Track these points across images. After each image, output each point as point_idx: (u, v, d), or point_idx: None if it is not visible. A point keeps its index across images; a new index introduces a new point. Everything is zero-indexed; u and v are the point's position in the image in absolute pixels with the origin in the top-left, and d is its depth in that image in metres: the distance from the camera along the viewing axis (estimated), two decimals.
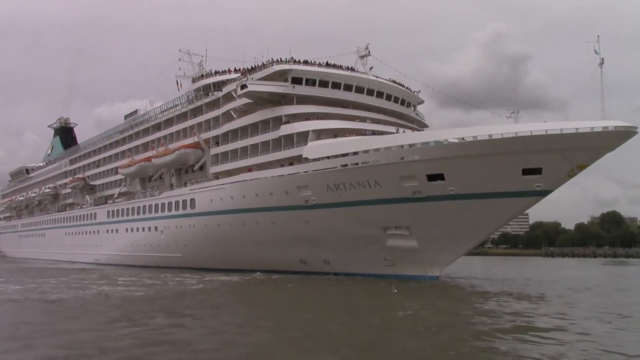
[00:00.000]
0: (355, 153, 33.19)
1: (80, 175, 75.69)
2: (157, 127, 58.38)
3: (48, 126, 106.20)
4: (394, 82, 44.32)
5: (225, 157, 45.49)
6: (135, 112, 68.19)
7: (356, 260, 37.08)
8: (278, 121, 40.05)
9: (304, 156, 36.24)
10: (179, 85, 62.88)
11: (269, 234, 39.22)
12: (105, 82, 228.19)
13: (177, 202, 48.59)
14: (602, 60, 28.35)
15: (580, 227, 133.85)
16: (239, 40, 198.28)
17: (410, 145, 31.53)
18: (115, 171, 66.75)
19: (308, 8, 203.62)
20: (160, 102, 69.54)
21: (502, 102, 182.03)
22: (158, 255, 51.27)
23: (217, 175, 45.41)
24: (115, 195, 64.46)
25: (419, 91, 46.90)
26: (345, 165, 33.61)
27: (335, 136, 36.19)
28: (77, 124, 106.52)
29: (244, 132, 43.61)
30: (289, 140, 38.73)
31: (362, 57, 43.56)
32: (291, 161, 37.67)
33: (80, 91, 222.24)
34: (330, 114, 38.70)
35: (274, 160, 39.63)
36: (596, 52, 28.60)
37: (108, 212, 62.94)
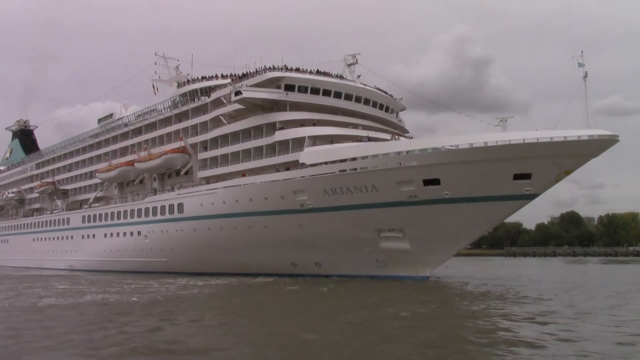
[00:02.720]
0: (354, 159, 34.45)
1: (50, 180, 73.84)
2: (138, 131, 57.94)
3: (6, 129, 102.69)
4: (379, 89, 45.84)
5: (214, 161, 45.88)
6: (111, 115, 67.31)
7: (348, 262, 38.27)
8: (272, 127, 40.89)
9: (300, 161, 37.22)
10: (156, 89, 62.76)
11: (261, 237, 39.92)
12: (66, 84, 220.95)
13: (162, 207, 48.53)
14: (586, 73, 30.72)
15: (540, 227, 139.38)
16: (207, 41, 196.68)
17: (408, 152, 33.09)
18: (90, 175, 65.78)
19: (271, 9, 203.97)
20: (134, 106, 69.32)
21: (466, 104, 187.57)
22: (140, 260, 51.00)
23: (208, 180, 45.69)
24: (91, 200, 63.42)
25: (401, 98, 48.55)
26: (344, 171, 34.81)
27: (332, 142, 37.32)
28: (37, 127, 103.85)
29: (234, 137, 44.15)
30: (283, 146, 39.62)
31: (349, 65, 44.85)
32: (287, 166, 38.54)
33: (40, 93, 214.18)
34: (323, 120, 39.83)
35: (268, 166, 40.38)
36: (580, 65, 30.85)
37: (83, 217, 61.93)
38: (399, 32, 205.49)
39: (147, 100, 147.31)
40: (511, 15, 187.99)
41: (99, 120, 69.06)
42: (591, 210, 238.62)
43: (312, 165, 36.39)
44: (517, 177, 31.35)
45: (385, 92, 46.33)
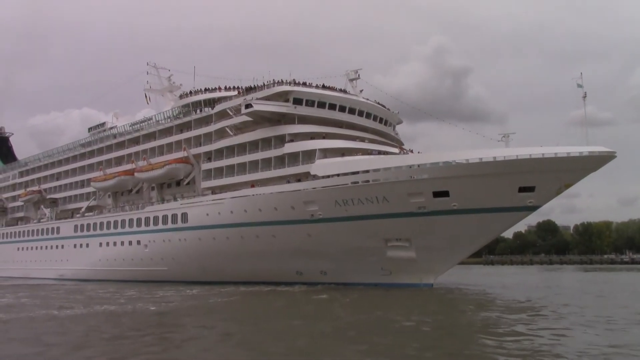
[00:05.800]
0: (366, 171, 35.89)
1: (36, 188, 73.13)
2: (135, 141, 58.19)
3: None
4: (378, 103, 47.49)
5: (219, 172, 46.63)
6: (103, 124, 67.38)
7: (353, 270, 39.54)
8: (280, 139, 42.07)
9: (312, 173, 38.45)
10: (148, 98, 63.59)
11: (268, 246, 40.86)
12: (40, 90, 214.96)
13: (165, 216, 48.97)
14: (585, 93, 32.94)
15: (518, 235, 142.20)
16: (190, 49, 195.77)
17: (419, 165, 34.76)
18: (81, 184, 65.61)
19: (252, 19, 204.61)
20: (125, 115, 69.60)
21: (445, 114, 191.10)
22: (139, 269, 51.25)
23: (214, 190, 46.40)
24: (83, 209, 63.17)
25: (398, 112, 50.27)
26: (356, 182, 36.20)
27: (343, 155, 38.70)
28: (13, 134, 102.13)
29: (241, 148, 45.08)
30: (292, 158, 40.79)
31: (351, 80, 46.41)
32: (298, 178, 39.69)
33: (13, 99, 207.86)
34: (332, 133, 41.19)
35: (277, 177, 41.45)
36: (579, 86, 33.04)
37: (75, 226, 61.66)
38: (379, 43, 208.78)
39: (130, 108, 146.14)
40: (489, 28, 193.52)
41: (90, 129, 68.93)
42: (567, 219, 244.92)
43: (324, 177, 37.64)
44: (521, 189, 33.30)
45: (384, 106, 48.00)
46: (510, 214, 34.82)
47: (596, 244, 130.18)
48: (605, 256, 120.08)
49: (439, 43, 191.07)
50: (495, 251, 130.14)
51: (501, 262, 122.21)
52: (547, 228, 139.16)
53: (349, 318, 22.78)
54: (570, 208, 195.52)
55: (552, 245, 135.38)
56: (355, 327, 20.20)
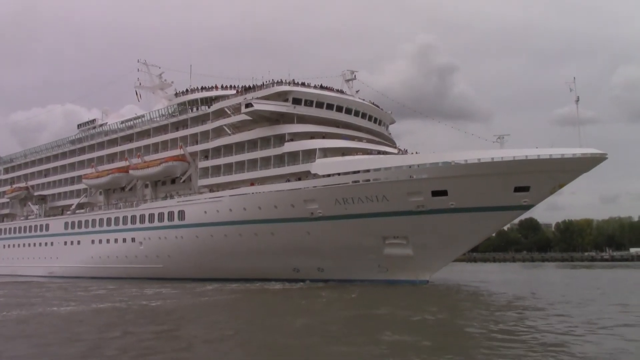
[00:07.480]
0: (367, 170, 36.75)
1: (22, 185, 72.55)
2: (128, 138, 58.15)
3: None
4: (372, 103, 48.39)
5: (216, 170, 47.03)
6: (93, 121, 67.17)
7: (350, 267, 40.39)
8: (279, 138, 42.68)
9: (312, 172, 39.18)
10: (138, 96, 63.54)
11: (267, 244, 41.48)
12: (22, 86, 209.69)
13: (161, 214, 49.21)
14: (578, 97, 34.23)
15: (500, 233, 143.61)
16: (171, 44, 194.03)
17: (419, 165, 35.75)
18: (70, 181, 65.38)
19: (237, 17, 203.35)
20: (110, 112, 69.35)
21: (430, 111, 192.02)
22: (133, 266, 51.39)
23: (212, 188, 46.76)
24: (74, 206, 62.89)
25: (391, 112, 51.24)
26: (357, 182, 37.02)
27: (343, 154, 39.47)
28: None
29: (239, 147, 45.54)
30: (292, 157, 41.44)
31: (347, 80, 47.33)
32: (299, 176, 40.35)
33: None
34: (331, 133, 41.93)
35: (275, 175, 42.05)
36: (572, 90, 34.27)
37: (66, 223, 61.40)
38: (366, 41, 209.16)
39: (115, 105, 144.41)
40: (476, 26, 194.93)
41: (79, 126, 68.60)
42: (549, 217, 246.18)
43: (324, 175, 38.38)
44: (517, 189, 34.51)
45: (377, 106, 48.89)
46: (505, 213, 36.09)
47: (577, 242, 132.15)
48: (586, 253, 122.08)
49: (425, 41, 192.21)
50: (478, 248, 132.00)
51: (484, 259, 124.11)
52: (529, 226, 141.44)
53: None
54: (552, 206, 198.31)
55: (534, 242, 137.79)
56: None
